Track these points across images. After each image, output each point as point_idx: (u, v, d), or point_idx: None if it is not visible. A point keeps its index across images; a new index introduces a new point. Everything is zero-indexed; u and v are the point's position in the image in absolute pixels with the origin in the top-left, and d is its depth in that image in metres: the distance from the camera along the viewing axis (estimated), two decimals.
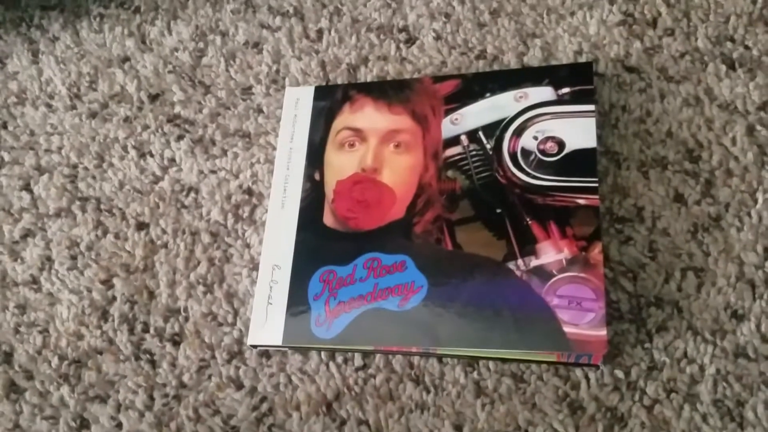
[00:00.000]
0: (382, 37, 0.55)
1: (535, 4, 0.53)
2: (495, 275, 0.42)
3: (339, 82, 0.54)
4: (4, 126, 0.58)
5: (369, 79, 0.54)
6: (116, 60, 0.59)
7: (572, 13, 0.52)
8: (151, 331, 0.48)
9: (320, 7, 0.58)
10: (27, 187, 0.55)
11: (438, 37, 0.54)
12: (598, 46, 0.51)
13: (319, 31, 0.57)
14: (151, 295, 0.49)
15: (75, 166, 0.55)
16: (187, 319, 0.48)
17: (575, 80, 0.47)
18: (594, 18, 0.52)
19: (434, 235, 0.45)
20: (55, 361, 0.48)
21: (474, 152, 0.47)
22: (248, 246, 0.50)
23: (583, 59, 0.50)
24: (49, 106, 0.58)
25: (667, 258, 0.44)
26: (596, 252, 0.41)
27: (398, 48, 0.54)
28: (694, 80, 0.48)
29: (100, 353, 0.48)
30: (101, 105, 0.57)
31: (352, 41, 0.55)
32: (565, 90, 0.47)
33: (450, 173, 0.46)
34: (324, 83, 0.54)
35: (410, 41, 0.55)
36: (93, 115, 0.57)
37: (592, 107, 0.46)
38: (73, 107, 0.58)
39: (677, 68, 0.49)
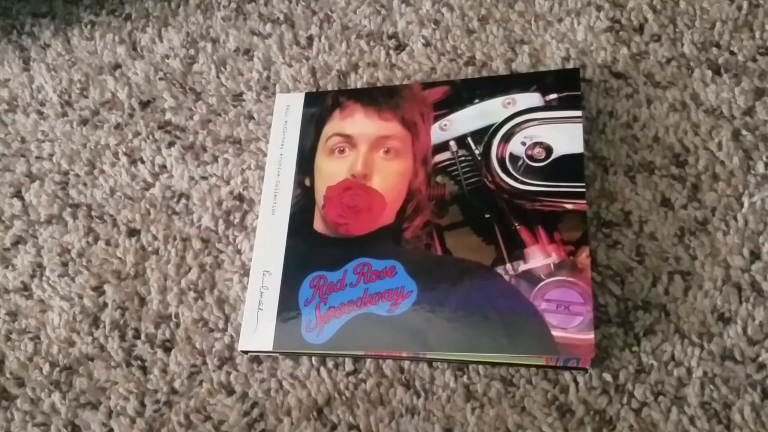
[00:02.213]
0: (371, 43, 0.55)
1: (523, 11, 0.54)
2: (484, 280, 0.43)
3: (329, 88, 0.54)
4: None
5: (359, 86, 0.54)
6: (107, 67, 0.59)
7: (560, 20, 0.53)
8: (142, 337, 0.48)
9: (310, 14, 0.58)
10: (18, 194, 0.55)
11: (427, 44, 0.54)
12: (585, 52, 0.51)
13: (310, 38, 0.57)
14: (142, 301, 0.50)
15: (66, 173, 0.55)
16: (178, 325, 0.48)
17: (563, 86, 0.47)
18: (581, 24, 0.52)
19: (424, 241, 0.45)
20: (46, 367, 0.48)
21: (463, 158, 0.47)
22: (239, 252, 0.50)
23: (570, 65, 0.51)
24: (40, 113, 0.58)
25: (655, 262, 0.44)
26: (584, 256, 0.42)
27: (388, 54, 0.55)
28: (680, 86, 0.49)
29: (92, 360, 0.48)
30: (92, 112, 0.57)
31: (342, 48, 0.56)
32: (553, 96, 0.47)
33: (439, 179, 0.47)
34: (314, 90, 0.54)
35: (400, 48, 0.55)
36: (84, 122, 0.57)
37: (579, 113, 0.46)
38: (64, 114, 0.58)
39: (664, 74, 0.49)
